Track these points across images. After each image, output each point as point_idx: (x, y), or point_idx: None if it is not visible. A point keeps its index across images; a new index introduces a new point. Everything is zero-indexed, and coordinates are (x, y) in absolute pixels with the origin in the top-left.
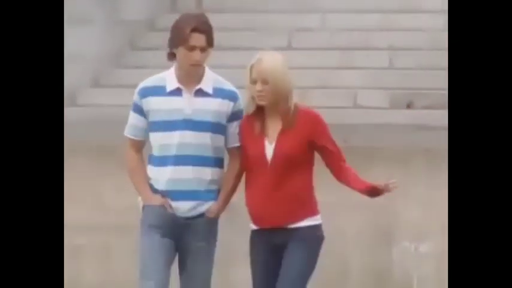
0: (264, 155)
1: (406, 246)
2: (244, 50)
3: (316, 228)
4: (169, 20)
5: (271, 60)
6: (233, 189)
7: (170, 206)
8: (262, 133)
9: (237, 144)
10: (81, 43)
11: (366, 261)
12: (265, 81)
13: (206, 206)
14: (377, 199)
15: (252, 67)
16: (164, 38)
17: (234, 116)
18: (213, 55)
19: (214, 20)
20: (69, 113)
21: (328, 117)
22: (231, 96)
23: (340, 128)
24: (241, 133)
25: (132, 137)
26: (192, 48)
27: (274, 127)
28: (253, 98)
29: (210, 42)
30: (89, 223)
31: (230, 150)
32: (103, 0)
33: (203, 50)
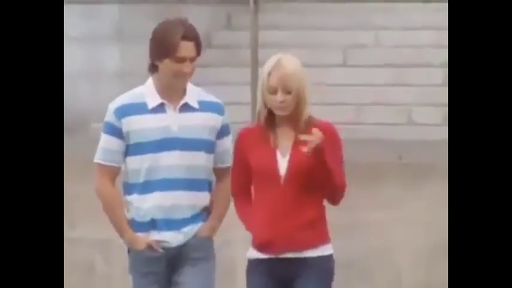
0: (276, 170)
1: None
2: None
3: (331, 259)
4: (225, 37)
5: (293, 65)
6: (225, 211)
7: (158, 245)
8: (275, 145)
9: (226, 164)
10: (136, 60)
11: (420, 276)
12: (287, 90)
13: (196, 228)
14: (431, 215)
15: (270, 73)
16: (220, 54)
17: (223, 131)
18: None
19: (269, 36)
20: None
21: (382, 134)
22: (218, 109)
23: (395, 145)
24: (245, 146)
25: (107, 163)
26: (182, 60)
27: (287, 138)
28: (265, 107)
29: (199, 51)
30: None
31: (217, 171)
32: (157, 17)
33: (192, 60)
